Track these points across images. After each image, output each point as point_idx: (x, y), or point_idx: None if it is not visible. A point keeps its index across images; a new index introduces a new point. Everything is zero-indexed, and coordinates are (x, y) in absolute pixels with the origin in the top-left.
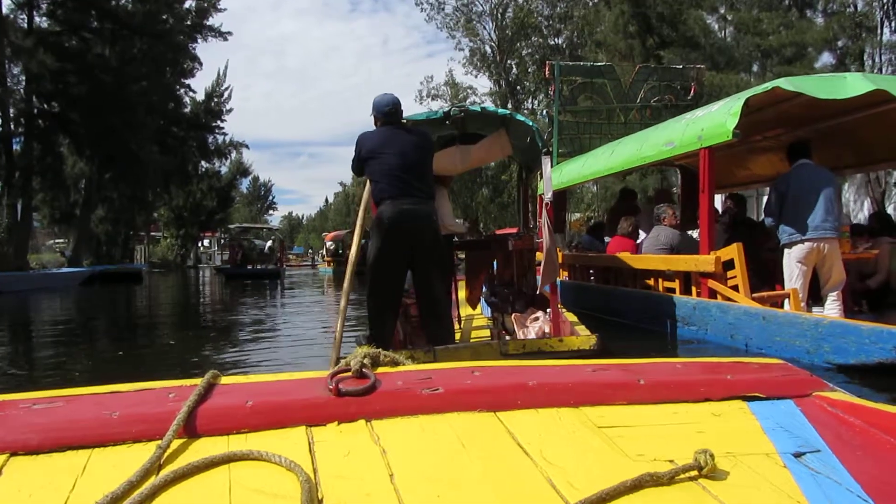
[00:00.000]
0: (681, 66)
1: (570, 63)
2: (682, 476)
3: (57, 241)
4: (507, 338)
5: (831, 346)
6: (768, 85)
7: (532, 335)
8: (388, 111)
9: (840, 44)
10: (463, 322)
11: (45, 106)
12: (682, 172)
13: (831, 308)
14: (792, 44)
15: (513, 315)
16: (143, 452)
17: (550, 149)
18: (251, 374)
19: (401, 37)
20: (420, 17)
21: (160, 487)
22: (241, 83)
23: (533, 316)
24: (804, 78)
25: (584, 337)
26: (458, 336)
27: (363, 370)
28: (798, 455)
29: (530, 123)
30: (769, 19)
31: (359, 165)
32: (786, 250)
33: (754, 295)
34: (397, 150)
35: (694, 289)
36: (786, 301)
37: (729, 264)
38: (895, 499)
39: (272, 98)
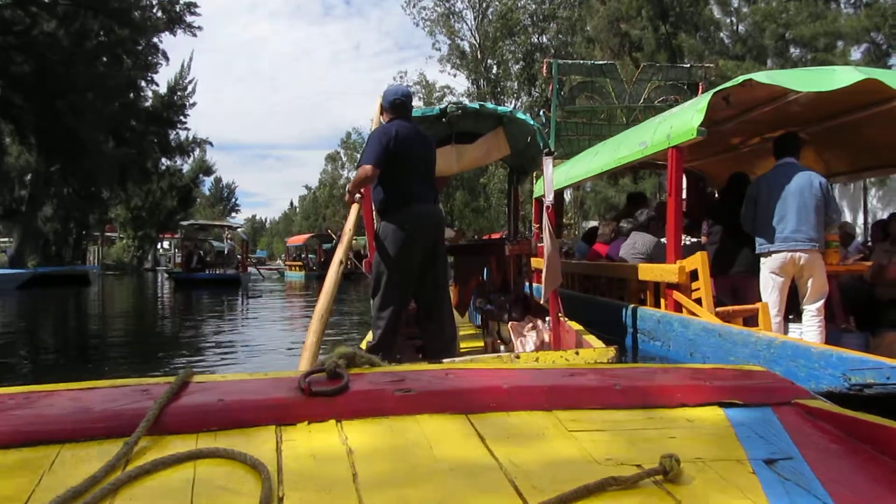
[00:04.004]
0: (688, 65)
1: (570, 61)
2: (646, 480)
3: (2, 239)
4: (502, 348)
5: (782, 368)
6: (739, 79)
7: (530, 345)
8: (405, 104)
9: (875, 35)
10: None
11: None
12: (687, 176)
13: (809, 324)
14: (825, 34)
15: (509, 324)
16: (112, 449)
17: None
18: (226, 374)
19: (373, 41)
20: (393, 22)
21: (123, 483)
22: (211, 86)
23: (530, 325)
24: (782, 71)
25: (601, 349)
26: None
27: (337, 370)
28: (770, 462)
29: (532, 122)
30: (797, 8)
31: (380, 156)
32: (761, 260)
33: (719, 309)
34: (421, 151)
35: (663, 301)
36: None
37: (696, 275)
38: None
39: (241, 101)
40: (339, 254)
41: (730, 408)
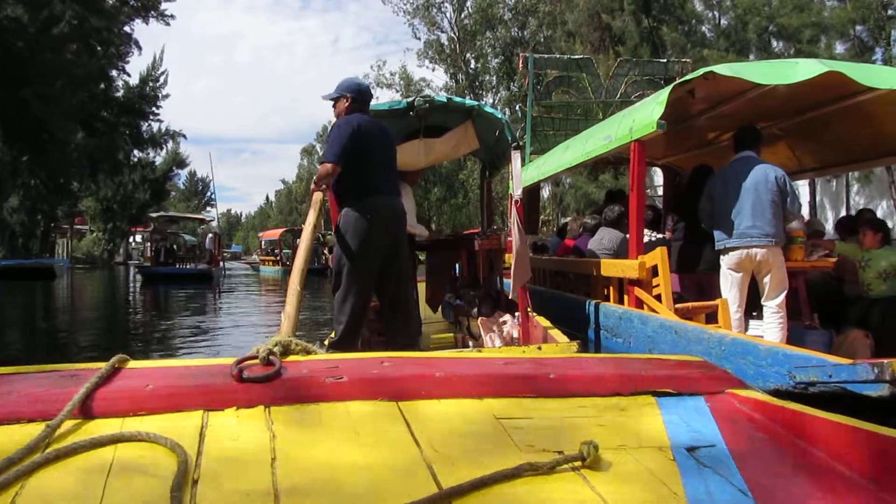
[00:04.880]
0: (664, 60)
1: (546, 55)
2: (563, 466)
3: None
4: (471, 343)
5: (732, 365)
6: (701, 71)
7: (499, 341)
8: (365, 97)
9: (859, 28)
10: (422, 325)
11: None
12: (665, 171)
13: (770, 321)
14: (811, 25)
15: (479, 319)
16: (35, 431)
17: (521, 143)
18: (161, 360)
19: (351, 36)
20: (371, 17)
21: (40, 465)
22: (185, 77)
23: (501, 320)
24: (745, 63)
25: (563, 345)
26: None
27: (270, 357)
28: (691, 449)
29: (499, 116)
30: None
31: (343, 153)
32: (720, 256)
33: (678, 305)
34: (381, 143)
35: (626, 297)
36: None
37: (656, 271)
38: (774, 493)
39: (217, 94)
40: (311, 218)
41: (662, 397)
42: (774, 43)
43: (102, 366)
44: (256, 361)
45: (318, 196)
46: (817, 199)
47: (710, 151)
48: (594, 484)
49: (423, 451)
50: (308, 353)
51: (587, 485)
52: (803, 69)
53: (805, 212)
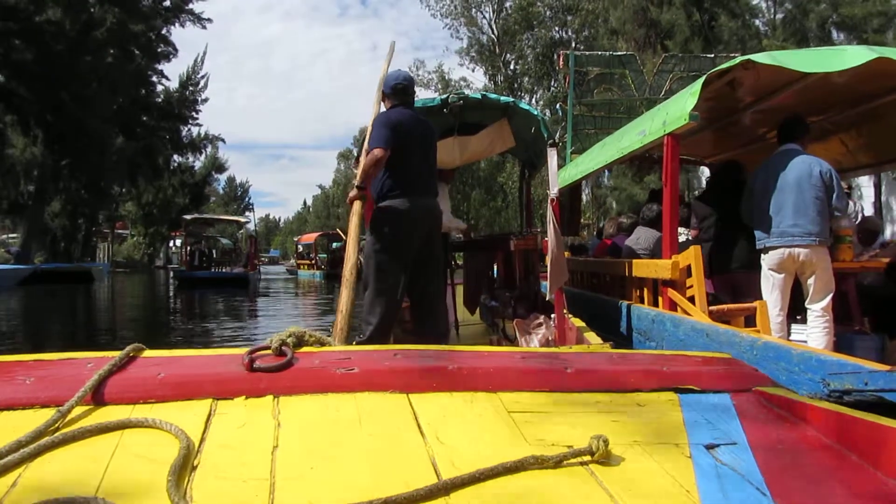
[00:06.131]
0: (711, 55)
1: (587, 52)
2: (571, 460)
3: (11, 235)
4: (505, 345)
5: (764, 371)
6: (737, 59)
7: (535, 343)
8: (406, 88)
9: None
10: (460, 327)
11: None
12: (711, 168)
13: (814, 326)
14: (878, 14)
15: (514, 321)
16: (47, 416)
17: (559, 141)
18: (176, 349)
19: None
20: (408, 23)
21: (47, 448)
22: (226, 85)
23: (536, 322)
24: (785, 52)
25: (595, 346)
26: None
27: (282, 348)
28: (711, 447)
29: (535, 112)
30: None
31: (389, 139)
32: (761, 256)
33: (712, 308)
34: (421, 141)
35: (660, 299)
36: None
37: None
38: (795, 494)
39: (255, 100)
40: (350, 257)
41: (686, 393)
42: (836, 34)
43: (118, 354)
44: (269, 352)
45: (356, 206)
46: (882, 198)
47: (761, 148)
48: (601, 479)
49: (427, 442)
50: (322, 344)
51: (594, 479)
52: (850, 56)
53: (869, 211)
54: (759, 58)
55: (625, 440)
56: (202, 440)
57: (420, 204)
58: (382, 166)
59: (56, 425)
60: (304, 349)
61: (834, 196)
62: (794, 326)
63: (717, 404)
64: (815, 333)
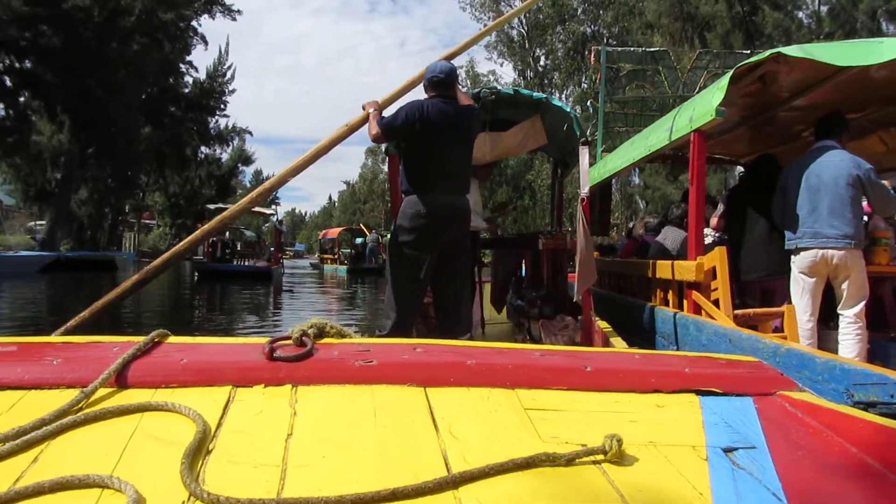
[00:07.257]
0: (747, 51)
1: (619, 48)
2: (584, 459)
3: (39, 222)
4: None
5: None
6: (767, 53)
7: (560, 344)
8: (442, 81)
9: None
10: (486, 326)
11: (9, 60)
12: (744, 167)
13: (846, 332)
14: None
15: (540, 321)
16: (71, 396)
17: (590, 139)
18: (200, 336)
19: (418, 39)
20: (438, 20)
21: (68, 427)
22: (255, 79)
23: (563, 323)
24: (818, 44)
25: (619, 349)
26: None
27: (303, 339)
28: (729, 450)
29: (568, 109)
30: None
31: (394, 127)
32: (791, 257)
33: (737, 312)
34: (454, 135)
35: (685, 302)
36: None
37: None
38: (811, 499)
39: (284, 95)
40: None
41: (707, 396)
42: (885, 26)
43: (142, 339)
44: (290, 342)
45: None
46: None
47: (798, 147)
48: (613, 478)
49: (440, 436)
50: (343, 336)
51: (605, 478)
52: (888, 49)
53: None
54: (790, 51)
55: (640, 440)
56: (219, 425)
57: (443, 201)
58: (372, 139)
59: (79, 405)
60: (325, 340)
61: (872, 197)
62: (825, 334)
63: (739, 407)
64: (846, 340)
